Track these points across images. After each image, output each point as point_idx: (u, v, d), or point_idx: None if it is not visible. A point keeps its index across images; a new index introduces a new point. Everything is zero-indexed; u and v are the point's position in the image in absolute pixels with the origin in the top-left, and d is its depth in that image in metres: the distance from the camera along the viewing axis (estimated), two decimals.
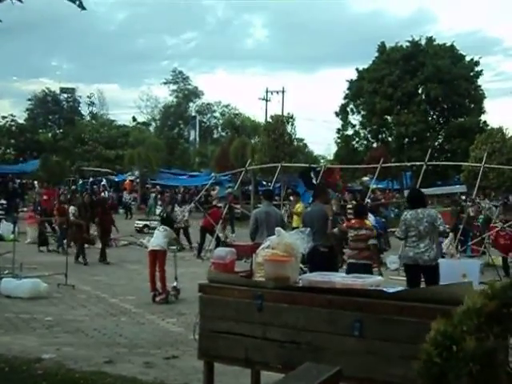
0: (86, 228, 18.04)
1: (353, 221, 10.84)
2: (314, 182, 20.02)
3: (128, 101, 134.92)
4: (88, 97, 67.48)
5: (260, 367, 5.50)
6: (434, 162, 30.90)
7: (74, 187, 39.28)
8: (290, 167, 27.90)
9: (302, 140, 43.74)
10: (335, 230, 10.78)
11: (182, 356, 7.74)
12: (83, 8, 7.14)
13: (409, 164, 30.70)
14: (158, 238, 12.10)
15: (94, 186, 43.23)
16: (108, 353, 7.92)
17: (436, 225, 9.19)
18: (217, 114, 72.20)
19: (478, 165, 20.95)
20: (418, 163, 23.62)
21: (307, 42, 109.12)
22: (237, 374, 6.42)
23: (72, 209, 18.03)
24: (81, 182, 44.31)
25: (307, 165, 23.27)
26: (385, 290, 4.81)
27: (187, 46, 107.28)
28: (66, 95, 65.51)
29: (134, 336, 8.89)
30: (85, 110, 67.88)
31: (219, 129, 71.78)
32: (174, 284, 11.92)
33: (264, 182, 39.20)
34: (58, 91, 65.15)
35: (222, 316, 5.37)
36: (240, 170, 24.08)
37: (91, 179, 45.37)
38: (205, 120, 71.31)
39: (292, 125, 39.54)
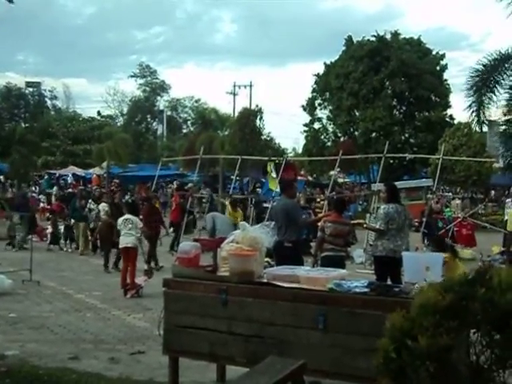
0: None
1: (332, 215, 10.47)
2: (274, 175, 19.99)
3: (96, 95, 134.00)
4: (50, 91, 66.66)
5: (225, 361, 5.50)
6: (394, 154, 30.75)
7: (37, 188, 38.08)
8: (260, 161, 27.63)
9: (269, 134, 43.49)
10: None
11: (148, 351, 7.68)
12: (10, 1, 7.12)
13: (372, 156, 30.58)
14: (128, 236, 12.03)
15: (61, 181, 42.65)
16: (73, 349, 7.83)
17: (409, 218, 9.60)
18: (188, 110, 71.98)
19: (437, 157, 21.27)
20: (377, 155, 23.68)
21: (276, 37, 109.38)
22: (202, 368, 6.40)
23: (103, 206, 16.81)
24: (46, 176, 43.56)
25: (266, 158, 22.99)
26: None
27: (156, 40, 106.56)
28: (31, 89, 64.56)
29: (100, 332, 8.81)
30: (50, 104, 67.14)
31: (189, 123, 71.49)
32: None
33: (232, 177, 39.03)
34: (23, 85, 64.20)
35: (186, 311, 5.36)
36: (195, 157, 23.66)
37: (57, 174, 44.70)
38: (175, 115, 70.93)
39: (261, 118, 39.54)
